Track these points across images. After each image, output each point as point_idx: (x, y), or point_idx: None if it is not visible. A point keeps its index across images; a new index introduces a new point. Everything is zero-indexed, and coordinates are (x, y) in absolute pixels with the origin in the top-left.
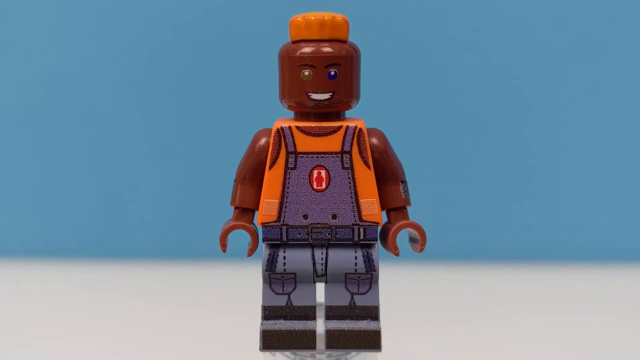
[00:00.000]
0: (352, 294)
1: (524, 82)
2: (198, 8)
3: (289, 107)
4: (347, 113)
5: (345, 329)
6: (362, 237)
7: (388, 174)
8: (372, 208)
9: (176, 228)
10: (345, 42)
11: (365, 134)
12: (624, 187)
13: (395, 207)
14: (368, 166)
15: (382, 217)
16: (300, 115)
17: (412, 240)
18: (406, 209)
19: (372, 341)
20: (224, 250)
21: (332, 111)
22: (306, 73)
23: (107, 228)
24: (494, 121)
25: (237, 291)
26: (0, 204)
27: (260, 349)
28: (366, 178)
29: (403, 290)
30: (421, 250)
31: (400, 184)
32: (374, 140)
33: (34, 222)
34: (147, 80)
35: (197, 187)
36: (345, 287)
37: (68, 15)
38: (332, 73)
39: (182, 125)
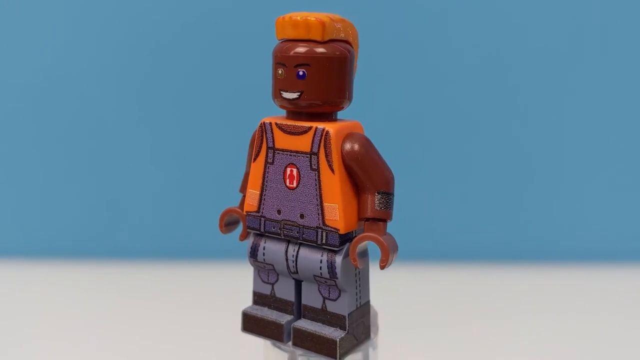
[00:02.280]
0: (324, 298)
1: (523, 82)
2: (199, 8)
3: (280, 106)
4: (346, 114)
5: (309, 330)
6: (324, 241)
7: (363, 182)
8: (334, 213)
9: (176, 228)
10: (322, 42)
11: (332, 138)
12: (624, 187)
13: (368, 218)
14: (332, 170)
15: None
16: (292, 114)
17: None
18: (383, 221)
19: (330, 349)
20: (222, 231)
21: (321, 111)
22: (279, 72)
23: (107, 228)
24: (494, 121)
25: (237, 291)
26: (0, 204)
27: (241, 329)
28: (330, 182)
29: (402, 290)
30: (381, 267)
31: (376, 194)
32: (348, 146)
33: (34, 222)
34: (148, 81)
35: (197, 187)
36: (318, 289)
37: (70, 16)
38: (301, 73)
39: (183, 125)
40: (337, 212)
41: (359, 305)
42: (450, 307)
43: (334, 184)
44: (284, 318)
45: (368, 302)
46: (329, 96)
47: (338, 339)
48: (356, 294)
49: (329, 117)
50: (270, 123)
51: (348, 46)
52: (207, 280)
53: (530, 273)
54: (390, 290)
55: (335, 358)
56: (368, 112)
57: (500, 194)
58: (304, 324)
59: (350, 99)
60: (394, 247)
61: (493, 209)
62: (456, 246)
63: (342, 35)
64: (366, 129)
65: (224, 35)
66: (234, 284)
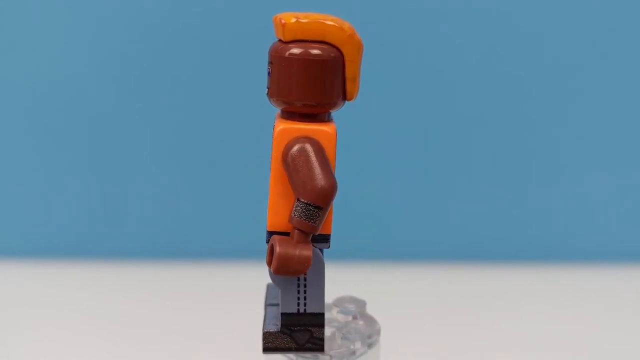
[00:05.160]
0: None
1: (525, 79)
2: (201, 3)
3: None
4: (346, 115)
5: (265, 316)
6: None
7: (291, 186)
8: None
9: (176, 228)
10: (286, 42)
11: (274, 135)
12: (624, 187)
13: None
14: (270, 167)
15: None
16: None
17: None
18: (300, 230)
19: (261, 337)
20: None
21: (298, 111)
22: None
23: (107, 228)
24: (493, 121)
25: (237, 291)
26: (0, 203)
27: None
28: (269, 178)
29: (402, 291)
30: (272, 270)
31: (295, 201)
32: (288, 148)
33: (34, 222)
34: (148, 79)
35: (198, 187)
36: None
37: (69, 10)
38: (268, 70)
39: (184, 124)
40: (268, 208)
41: (301, 311)
42: (450, 307)
43: (270, 180)
44: (269, 301)
45: (321, 314)
46: (289, 96)
47: (264, 331)
48: (297, 298)
49: (315, 117)
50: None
51: (324, 47)
52: (207, 280)
53: (530, 273)
54: (391, 290)
55: (262, 349)
56: (368, 110)
57: (500, 193)
58: (270, 309)
59: (333, 100)
60: (289, 258)
61: (493, 208)
62: (456, 246)
63: (318, 37)
64: (366, 127)
65: (225, 31)
66: (234, 284)
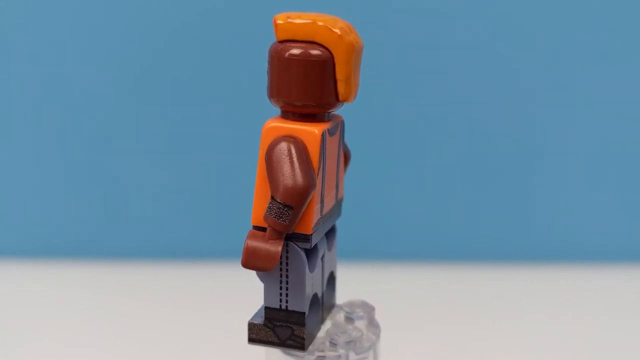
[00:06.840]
0: None
1: (529, 77)
2: (203, 5)
3: None
4: (344, 114)
5: (260, 309)
6: None
7: (269, 183)
8: None
9: (176, 228)
10: (280, 42)
11: (261, 134)
12: (625, 187)
13: None
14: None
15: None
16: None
17: None
18: (271, 228)
19: None
20: None
21: (291, 110)
22: None
23: (107, 228)
24: (494, 121)
25: (237, 291)
26: (0, 203)
27: None
28: (256, 173)
29: (402, 291)
30: (241, 263)
31: (270, 199)
32: (268, 146)
33: (34, 222)
34: (148, 79)
35: (198, 187)
36: None
37: (69, 14)
38: (267, 70)
39: (183, 124)
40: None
41: (282, 307)
42: (450, 307)
43: (256, 176)
44: None
45: (302, 314)
46: (288, 96)
47: (249, 322)
48: (280, 294)
49: (315, 117)
50: None
51: (314, 48)
52: (207, 280)
53: (530, 273)
54: (390, 290)
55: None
56: (369, 111)
57: (501, 194)
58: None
59: (326, 101)
60: (256, 253)
61: (494, 209)
62: (456, 246)
63: (309, 37)
64: (367, 127)
65: (225, 31)
66: (235, 284)
